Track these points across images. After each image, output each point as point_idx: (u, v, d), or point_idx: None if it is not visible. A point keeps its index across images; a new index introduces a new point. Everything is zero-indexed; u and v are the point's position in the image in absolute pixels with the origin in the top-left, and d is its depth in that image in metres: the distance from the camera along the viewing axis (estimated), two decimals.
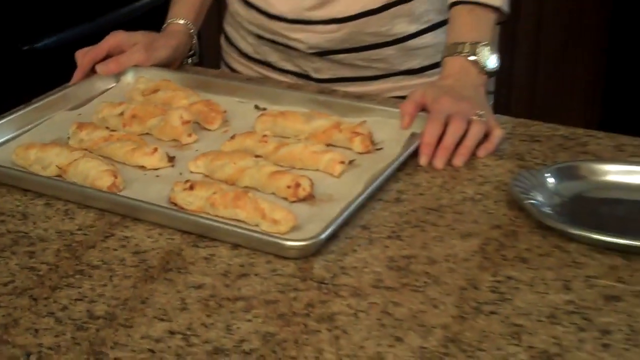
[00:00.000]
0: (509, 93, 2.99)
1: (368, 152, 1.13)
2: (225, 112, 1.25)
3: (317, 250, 0.93)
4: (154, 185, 1.07)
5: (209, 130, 1.22)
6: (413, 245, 0.94)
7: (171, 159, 1.13)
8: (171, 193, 1.02)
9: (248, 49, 1.53)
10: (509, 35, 2.90)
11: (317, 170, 1.09)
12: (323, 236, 0.92)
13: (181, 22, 1.47)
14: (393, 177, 1.08)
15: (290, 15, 1.42)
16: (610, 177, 1.04)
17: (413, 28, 1.43)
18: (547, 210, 0.98)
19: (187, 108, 1.21)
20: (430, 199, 1.04)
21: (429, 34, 1.44)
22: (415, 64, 1.45)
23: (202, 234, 0.97)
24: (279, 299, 0.86)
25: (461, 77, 1.23)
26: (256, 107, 1.28)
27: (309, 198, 1.02)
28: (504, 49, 1.29)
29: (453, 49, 1.26)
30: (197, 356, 0.78)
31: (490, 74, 1.25)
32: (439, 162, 1.10)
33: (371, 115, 1.21)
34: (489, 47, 1.24)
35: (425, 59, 1.44)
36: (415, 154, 1.12)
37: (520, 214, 0.99)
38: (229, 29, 1.58)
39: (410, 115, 1.17)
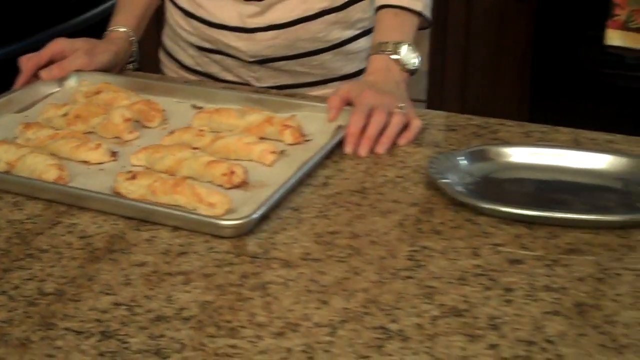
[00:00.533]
0: (441, 100, 3.10)
1: (298, 143, 1.22)
2: (164, 110, 1.32)
3: (250, 229, 1.01)
4: (98, 177, 1.14)
5: (149, 127, 1.30)
6: (338, 222, 1.03)
7: (114, 154, 1.21)
8: (114, 183, 1.10)
9: (188, 61, 1.60)
10: (440, 46, 3.02)
11: (250, 160, 1.18)
12: (255, 216, 1.00)
13: (122, 29, 1.54)
14: (321, 164, 1.17)
15: (231, 23, 1.49)
16: (515, 159, 1.14)
17: (348, 34, 1.52)
18: (460, 188, 1.07)
19: (129, 107, 1.29)
20: (354, 183, 1.13)
21: (363, 38, 1.54)
22: (352, 67, 1.55)
23: (143, 219, 1.05)
24: (215, 273, 0.94)
25: (384, 74, 1.33)
26: (193, 106, 1.36)
27: (243, 184, 1.11)
28: (436, 59, 1.40)
29: (377, 48, 1.35)
30: (141, 324, 0.86)
31: (411, 71, 1.35)
32: (363, 150, 1.19)
33: (301, 110, 1.30)
34: (411, 47, 1.34)
35: (362, 63, 1.52)
36: (341, 144, 1.21)
37: (436, 193, 1.09)
38: (168, 42, 1.64)
39: (337, 108, 1.26)
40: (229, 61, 1.54)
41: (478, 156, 1.15)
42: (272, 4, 1.47)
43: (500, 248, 0.97)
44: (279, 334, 0.84)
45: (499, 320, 0.85)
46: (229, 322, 0.86)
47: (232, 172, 1.10)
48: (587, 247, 0.97)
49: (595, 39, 3.04)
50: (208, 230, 1.01)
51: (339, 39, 1.51)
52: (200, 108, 1.35)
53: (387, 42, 1.35)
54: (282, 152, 1.19)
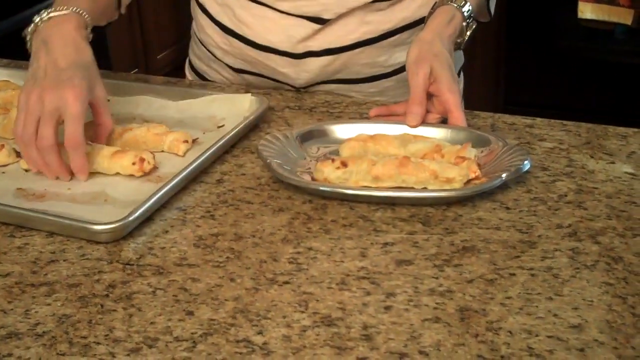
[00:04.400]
0: None
1: (477, 178, 1.01)
2: None
3: (128, 233, 0.94)
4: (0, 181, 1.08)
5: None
6: (224, 223, 0.96)
7: (19, 154, 1.14)
8: (317, 173, 1.04)
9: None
10: None
11: (162, 151, 1.11)
12: (130, 219, 0.94)
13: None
14: (221, 158, 1.10)
15: (279, 47, 1.29)
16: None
17: None
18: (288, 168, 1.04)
19: None
20: (250, 179, 1.06)
21: None
22: None
23: (19, 225, 0.98)
24: (82, 282, 0.87)
25: (445, 27, 1.19)
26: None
27: (154, 171, 1.05)
28: None
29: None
30: None
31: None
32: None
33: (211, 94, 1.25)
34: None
35: None
36: (246, 137, 1.15)
37: None
38: (196, 61, 1.44)
39: (421, 107, 1.13)
40: (270, 83, 1.35)
41: (309, 135, 1.12)
42: (327, 25, 1.27)
43: (390, 248, 0.90)
44: (134, 350, 0.77)
45: (373, 330, 0.78)
46: (84, 337, 0.79)
47: (142, 160, 1.04)
48: (483, 244, 0.90)
49: (569, 11, 2.98)
50: (82, 236, 0.94)
51: (402, 63, 1.24)
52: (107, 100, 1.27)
53: None
54: (194, 141, 1.13)
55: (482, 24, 1.31)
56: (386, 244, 0.91)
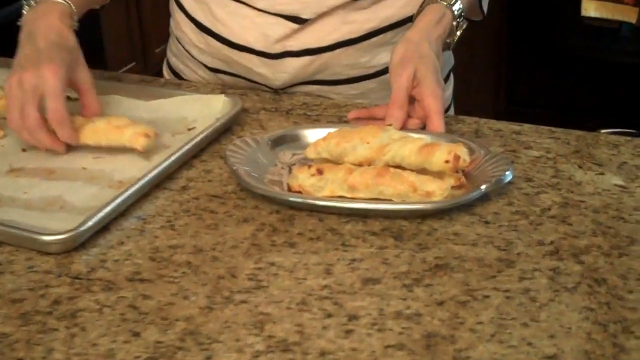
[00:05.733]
0: None
1: (460, 186, 0.94)
2: None
3: (81, 243, 0.88)
4: None
5: None
6: (184, 234, 0.90)
7: None
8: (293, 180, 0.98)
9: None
10: None
11: (123, 146, 1.05)
12: (82, 229, 0.88)
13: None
14: (188, 163, 1.05)
15: (255, 46, 1.22)
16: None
17: None
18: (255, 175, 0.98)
19: None
20: (217, 186, 1.00)
21: None
22: None
23: None
24: (26, 297, 0.82)
25: (433, 28, 1.12)
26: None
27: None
28: None
29: None
30: None
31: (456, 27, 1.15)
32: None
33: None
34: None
35: None
36: (217, 140, 1.09)
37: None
38: (173, 59, 1.38)
39: (402, 111, 1.06)
40: (247, 84, 1.28)
41: (281, 140, 1.06)
42: (307, 24, 1.20)
43: (357, 264, 0.84)
44: None
45: (331, 357, 0.72)
46: (20, 359, 0.73)
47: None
48: (457, 262, 0.84)
49: (572, 9, 2.91)
50: (31, 246, 0.88)
51: (385, 64, 1.16)
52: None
53: None
54: (157, 135, 1.07)
55: (482, 21, 1.24)
56: (354, 260, 0.85)
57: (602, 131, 3.01)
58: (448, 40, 1.15)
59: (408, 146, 0.94)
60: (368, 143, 0.95)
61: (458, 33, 1.15)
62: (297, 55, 1.21)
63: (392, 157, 0.95)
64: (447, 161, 0.92)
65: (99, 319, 0.78)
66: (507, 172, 0.93)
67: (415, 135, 0.99)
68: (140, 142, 1.05)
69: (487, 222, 0.91)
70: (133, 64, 3.37)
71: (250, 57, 1.23)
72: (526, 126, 1.11)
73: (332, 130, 1.02)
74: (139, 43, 3.43)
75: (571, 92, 3.02)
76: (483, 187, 0.91)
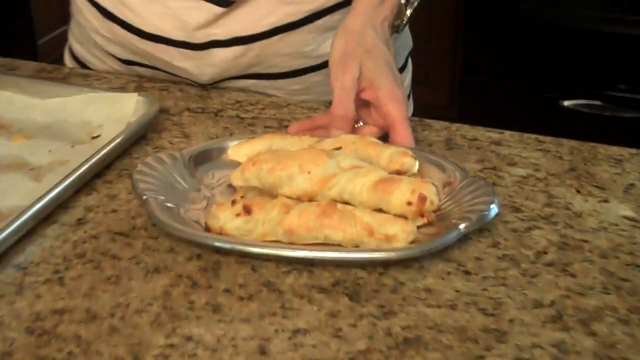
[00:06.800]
0: None
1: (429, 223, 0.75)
2: None
3: None
4: None
5: None
6: (75, 292, 0.69)
7: None
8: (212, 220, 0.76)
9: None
10: None
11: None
12: None
13: None
14: (88, 184, 0.83)
15: (173, 36, 1.00)
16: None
17: None
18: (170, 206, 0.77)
19: None
20: (124, 218, 0.79)
21: None
22: None
23: None
24: None
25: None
26: None
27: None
28: None
29: None
30: None
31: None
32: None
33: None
34: None
35: None
36: (127, 153, 0.87)
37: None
38: (76, 46, 1.15)
39: (348, 122, 0.87)
40: (169, 76, 1.06)
41: (206, 156, 0.85)
42: (235, 7, 0.98)
43: (301, 339, 0.64)
44: None
45: None
46: None
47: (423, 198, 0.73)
48: (432, 334, 0.64)
49: None
50: None
51: None
52: None
53: None
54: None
55: None
56: (297, 331, 0.65)
57: (565, 103, 2.88)
58: (396, 23, 0.94)
59: (359, 180, 0.73)
60: (309, 173, 0.74)
61: (408, 12, 0.95)
62: (226, 45, 0.99)
63: (339, 193, 0.74)
64: (409, 203, 0.71)
65: None
66: (492, 205, 0.73)
67: (367, 165, 0.77)
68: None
69: (467, 273, 0.71)
70: (64, 27, 3.11)
71: (167, 49, 1.01)
72: (507, 134, 0.91)
73: (264, 143, 0.82)
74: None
75: (530, 60, 2.85)
76: (462, 226, 0.71)
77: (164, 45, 1.00)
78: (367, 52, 0.86)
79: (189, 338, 0.64)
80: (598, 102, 2.83)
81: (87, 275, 0.71)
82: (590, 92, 2.83)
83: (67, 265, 0.72)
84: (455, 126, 0.93)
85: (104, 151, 0.85)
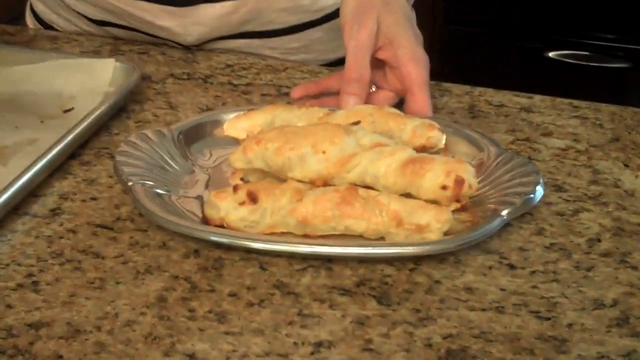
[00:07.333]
0: None
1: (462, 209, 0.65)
2: None
3: None
4: None
5: None
6: (53, 300, 0.59)
7: None
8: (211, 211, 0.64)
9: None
10: None
11: None
12: None
13: None
14: (60, 168, 0.72)
15: None
16: None
17: None
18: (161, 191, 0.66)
19: None
20: (105, 207, 0.68)
21: None
22: None
23: None
24: None
25: None
26: None
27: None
28: None
29: None
30: None
31: None
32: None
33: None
34: None
35: None
36: (105, 128, 0.76)
37: None
38: (41, 8, 1.02)
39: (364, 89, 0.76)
40: (148, 38, 0.95)
41: (198, 132, 0.74)
42: None
43: (325, 353, 0.54)
44: None
45: None
46: None
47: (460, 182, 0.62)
48: (480, 344, 0.54)
49: None
50: None
51: (334, 6, 0.91)
52: None
53: None
54: None
55: None
56: (319, 344, 0.55)
57: (550, 54, 2.78)
58: None
59: (384, 160, 0.62)
60: (324, 152, 0.63)
61: None
62: (215, 0, 0.88)
63: (359, 176, 0.63)
64: (444, 187, 0.61)
65: None
66: (538, 187, 0.63)
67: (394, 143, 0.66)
68: None
69: (511, 267, 0.61)
70: None
71: (147, 6, 0.89)
72: (537, 98, 0.81)
73: (266, 116, 0.71)
74: None
75: (513, 10, 2.74)
76: (504, 212, 0.61)
77: (144, 2, 0.89)
78: (385, 5, 0.75)
79: (191, 356, 0.54)
80: (584, 53, 2.73)
81: (66, 279, 0.61)
82: (576, 42, 2.73)
83: (41, 267, 0.62)
84: (478, 90, 0.82)
85: (80, 127, 0.74)
